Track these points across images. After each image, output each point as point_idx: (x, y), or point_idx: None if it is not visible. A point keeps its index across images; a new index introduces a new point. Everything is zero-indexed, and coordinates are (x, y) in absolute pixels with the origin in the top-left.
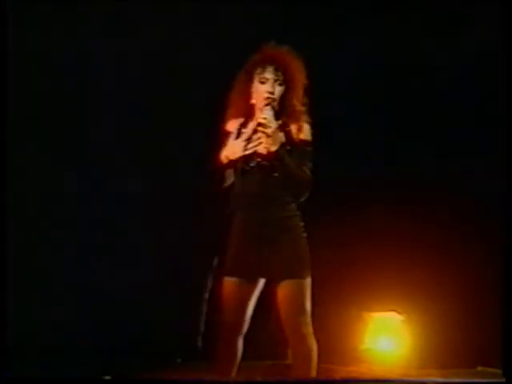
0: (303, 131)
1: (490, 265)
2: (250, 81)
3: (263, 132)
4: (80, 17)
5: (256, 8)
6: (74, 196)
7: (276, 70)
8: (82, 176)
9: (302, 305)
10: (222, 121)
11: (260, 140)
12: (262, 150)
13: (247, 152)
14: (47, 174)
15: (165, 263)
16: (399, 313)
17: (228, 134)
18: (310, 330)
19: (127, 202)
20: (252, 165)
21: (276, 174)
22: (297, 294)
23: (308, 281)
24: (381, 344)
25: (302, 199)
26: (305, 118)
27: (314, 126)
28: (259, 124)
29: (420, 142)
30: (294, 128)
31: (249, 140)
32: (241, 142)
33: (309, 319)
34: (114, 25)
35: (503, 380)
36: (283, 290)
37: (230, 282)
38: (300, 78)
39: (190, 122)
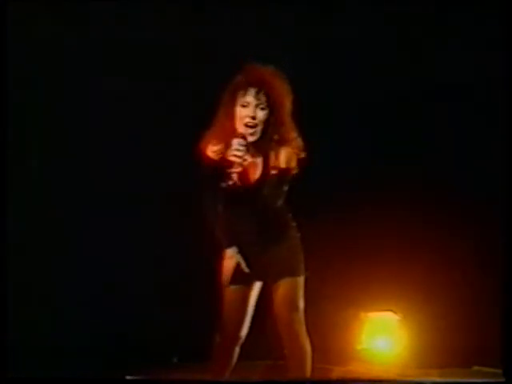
0: (282, 158)
1: (487, 265)
2: (233, 103)
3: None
4: (79, 17)
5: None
6: (73, 198)
7: (258, 93)
8: (82, 177)
9: (295, 302)
10: (204, 140)
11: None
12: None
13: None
14: (47, 175)
15: (163, 264)
16: (396, 312)
17: (208, 158)
18: (302, 327)
19: (127, 203)
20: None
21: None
22: (289, 291)
23: (301, 279)
24: (377, 344)
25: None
26: (289, 143)
27: (306, 140)
28: (233, 155)
29: (419, 141)
30: (273, 155)
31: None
32: None
33: (302, 317)
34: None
35: (503, 380)
36: (276, 289)
37: (228, 291)
38: (284, 102)
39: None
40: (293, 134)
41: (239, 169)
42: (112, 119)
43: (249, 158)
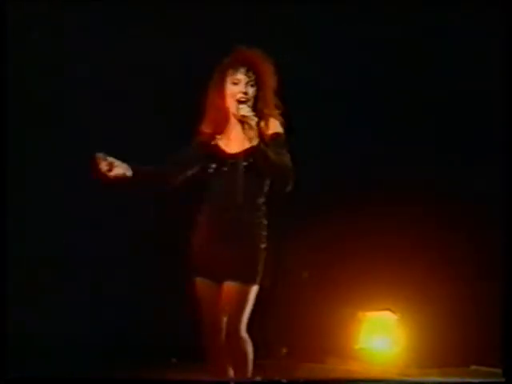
0: (273, 126)
1: (487, 265)
2: (222, 83)
3: (248, 124)
4: (79, 17)
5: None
6: (72, 199)
7: (247, 71)
8: (79, 177)
9: (240, 310)
10: (198, 123)
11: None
12: (245, 144)
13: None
14: (46, 175)
15: (162, 264)
16: (394, 312)
17: (203, 133)
18: (244, 334)
19: (127, 203)
20: (233, 164)
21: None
22: (237, 297)
23: (252, 287)
24: (376, 343)
25: (288, 189)
26: (275, 116)
27: (291, 126)
28: (243, 116)
29: (418, 141)
30: (264, 125)
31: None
32: None
33: (243, 325)
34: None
35: (503, 380)
36: (225, 291)
37: (200, 282)
38: (270, 79)
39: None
40: (275, 111)
41: (252, 122)
42: (111, 118)
43: (255, 119)
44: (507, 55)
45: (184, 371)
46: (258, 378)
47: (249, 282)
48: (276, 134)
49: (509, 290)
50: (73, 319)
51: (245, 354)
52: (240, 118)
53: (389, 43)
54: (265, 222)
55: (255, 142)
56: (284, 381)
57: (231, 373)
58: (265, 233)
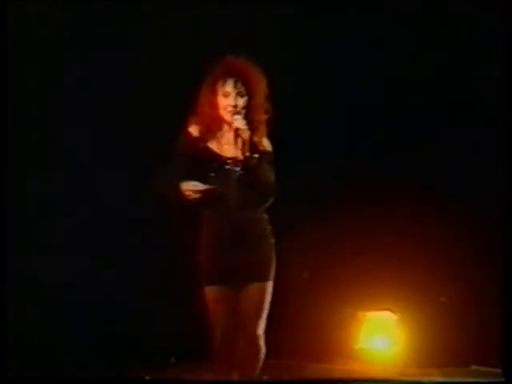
0: (264, 142)
1: (487, 265)
2: (214, 93)
3: (241, 137)
4: (79, 16)
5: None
6: (73, 200)
7: (236, 82)
8: (79, 177)
9: (262, 308)
10: (185, 125)
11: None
12: (237, 152)
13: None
14: (46, 175)
15: (162, 265)
16: (394, 312)
17: (189, 135)
18: (262, 333)
19: (128, 204)
20: (228, 168)
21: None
22: (257, 297)
23: (269, 283)
24: (376, 343)
25: (268, 204)
26: (265, 128)
27: (281, 132)
28: (237, 130)
29: (418, 141)
30: (256, 138)
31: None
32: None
33: (264, 322)
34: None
35: (502, 379)
36: (245, 293)
37: (211, 291)
38: (260, 87)
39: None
40: (264, 117)
41: (245, 136)
42: (110, 118)
43: (248, 132)
44: (507, 55)
45: (183, 371)
46: (264, 378)
47: (265, 279)
48: (266, 152)
49: (509, 290)
50: (73, 319)
51: (258, 353)
52: (234, 131)
53: (389, 43)
54: (266, 216)
55: (247, 154)
56: (285, 380)
57: (234, 372)
58: (270, 227)
